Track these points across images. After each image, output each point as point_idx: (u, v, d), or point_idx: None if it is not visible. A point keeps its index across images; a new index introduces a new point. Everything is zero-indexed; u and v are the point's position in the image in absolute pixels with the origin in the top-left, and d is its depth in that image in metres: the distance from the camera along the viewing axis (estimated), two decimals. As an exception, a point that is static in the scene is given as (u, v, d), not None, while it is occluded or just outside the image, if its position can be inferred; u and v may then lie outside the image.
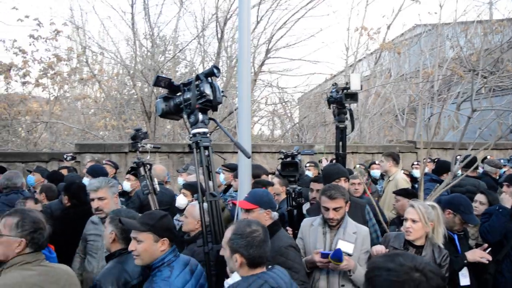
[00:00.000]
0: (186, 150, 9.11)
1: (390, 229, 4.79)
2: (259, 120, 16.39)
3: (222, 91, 3.19)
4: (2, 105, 14.00)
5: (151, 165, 6.52)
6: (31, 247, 2.72)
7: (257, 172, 5.35)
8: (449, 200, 4.30)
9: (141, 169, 6.19)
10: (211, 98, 3.10)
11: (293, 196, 4.75)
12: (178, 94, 3.25)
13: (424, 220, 3.61)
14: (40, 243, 2.76)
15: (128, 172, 6.49)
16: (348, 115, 5.61)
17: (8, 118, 15.08)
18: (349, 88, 5.40)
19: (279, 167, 4.93)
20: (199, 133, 3.17)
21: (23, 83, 15.55)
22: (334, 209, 3.73)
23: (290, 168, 4.81)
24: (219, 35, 13.13)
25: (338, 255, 3.44)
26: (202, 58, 13.76)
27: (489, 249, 4.10)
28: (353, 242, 3.70)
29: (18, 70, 15.46)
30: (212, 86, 3.12)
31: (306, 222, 4.01)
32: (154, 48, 13.04)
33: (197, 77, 3.14)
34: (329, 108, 5.73)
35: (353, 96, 5.40)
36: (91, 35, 20.56)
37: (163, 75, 3.23)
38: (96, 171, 5.93)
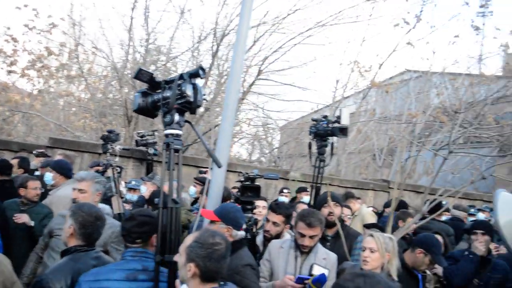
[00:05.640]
0: (153, 157, 8.83)
1: None
2: (238, 140, 16.37)
3: (204, 94, 3.11)
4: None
5: (121, 168, 6.43)
6: None
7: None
8: (422, 239, 4.28)
9: (109, 170, 6.12)
10: (191, 99, 3.00)
11: (248, 226, 4.11)
12: (158, 91, 3.15)
13: (382, 251, 3.57)
14: None
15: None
16: (329, 148, 5.64)
17: (-14, 103, 14.79)
18: (339, 122, 5.42)
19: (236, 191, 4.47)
20: (172, 134, 3.04)
21: (9, 72, 15.33)
22: (311, 236, 3.68)
23: (250, 193, 4.33)
24: (214, 51, 13.13)
25: (322, 280, 3.33)
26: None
27: None
28: (328, 268, 3.63)
29: (6, 57, 15.26)
30: (195, 87, 3.03)
31: (275, 244, 3.93)
32: (147, 54, 12.95)
33: (181, 76, 3.06)
34: (313, 139, 5.71)
35: (344, 130, 5.45)
36: (87, 32, 20.45)
37: (145, 69, 3.14)
38: (61, 167, 5.52)
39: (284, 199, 7.29)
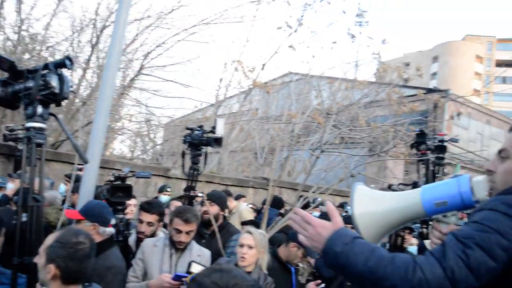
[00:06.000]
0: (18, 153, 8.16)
1: None
2: (119, 136, 15.88)
3: (71, 86, 2.94)
4: None
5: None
6: None
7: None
8: (296, 234, 4.44)
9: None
10: (57, 91, 2.82)
11: (120, 228, 3.98)
12: (20, 80, 2.91)
13: (259, 247, 3.67)
14: None
15: None
16: (203, 157, 5.65)
17: None
18: (214, 132, 5.45)
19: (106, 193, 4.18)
20: (34, 127, 2.83)
21: None
22: (187, 232, 3.66)
23: (120, 193, 4.09)
24: (94, 42, 12.58)
25: None
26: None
27: (322, 284, 4.29)
28: (205, 266, 3.62)
29: None
30: (61, 78, 2.85)
31: (148, 242, 3.84)
32: (20, 42, 12.00)
33: (45, 66, 2.86)
34: (188, 148, 5.67)
35: (218, 141, 5.48)
36: None
37: (6, 56, 2.88)
38: None
39: (166, 198, 7.17)
